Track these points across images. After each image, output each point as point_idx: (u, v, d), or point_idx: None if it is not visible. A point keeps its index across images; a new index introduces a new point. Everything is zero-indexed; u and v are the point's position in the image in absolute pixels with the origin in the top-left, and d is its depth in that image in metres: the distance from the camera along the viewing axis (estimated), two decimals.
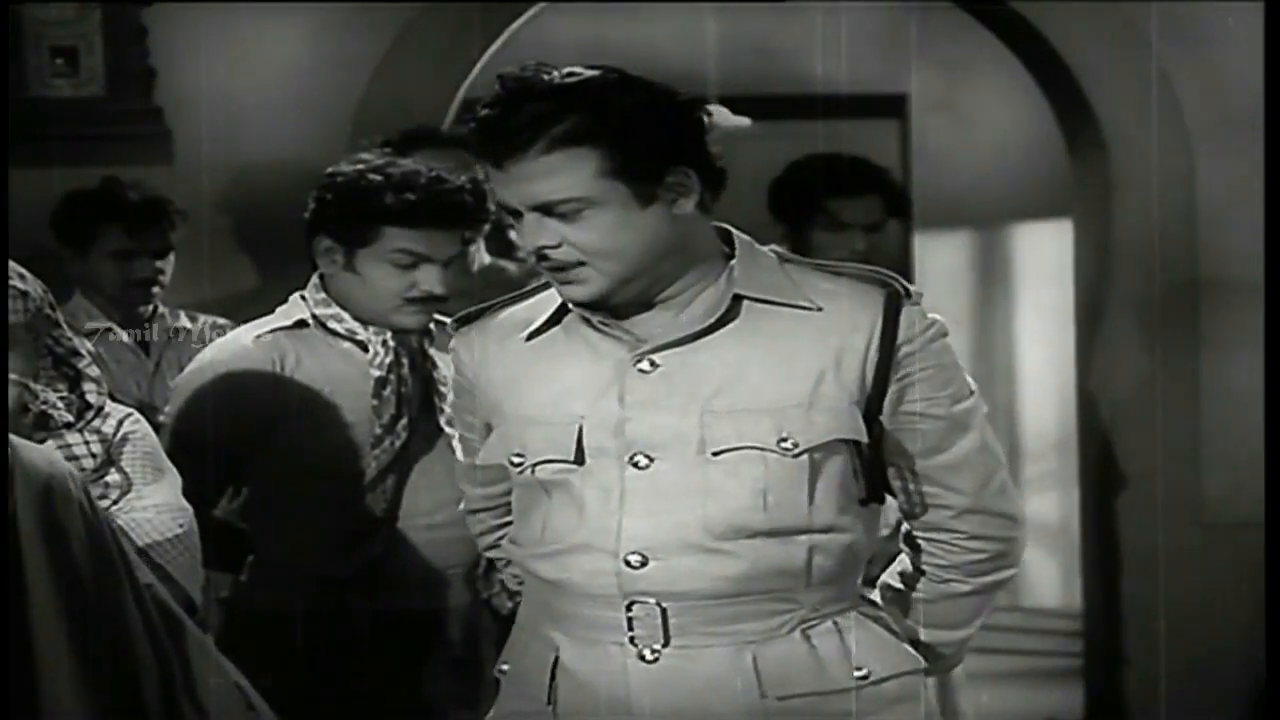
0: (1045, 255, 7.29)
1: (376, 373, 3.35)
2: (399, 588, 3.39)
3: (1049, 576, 7.67)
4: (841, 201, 4.38)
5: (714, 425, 2.52)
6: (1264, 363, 2.68)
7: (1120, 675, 5.42)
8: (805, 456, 2.53)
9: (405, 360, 3.38)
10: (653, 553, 2.52)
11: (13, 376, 2.75)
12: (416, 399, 3.38)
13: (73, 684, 2.33)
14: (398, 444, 3.36)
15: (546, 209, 2.51)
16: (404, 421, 3.36)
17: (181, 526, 2.89)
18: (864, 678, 2.56)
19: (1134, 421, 5.30)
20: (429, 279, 3.34)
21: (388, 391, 3.35)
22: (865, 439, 2.55)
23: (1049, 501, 7.54)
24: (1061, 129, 5.54)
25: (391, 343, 3.36)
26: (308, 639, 3.36)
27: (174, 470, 2.94)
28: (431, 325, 3.38)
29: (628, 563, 2.52)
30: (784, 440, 2.52)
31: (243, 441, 3.38)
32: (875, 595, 2.68)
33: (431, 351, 3.39)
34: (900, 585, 2.69)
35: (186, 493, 2.94)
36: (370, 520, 3.36)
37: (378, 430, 3.35)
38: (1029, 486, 7.67)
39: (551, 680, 2.60)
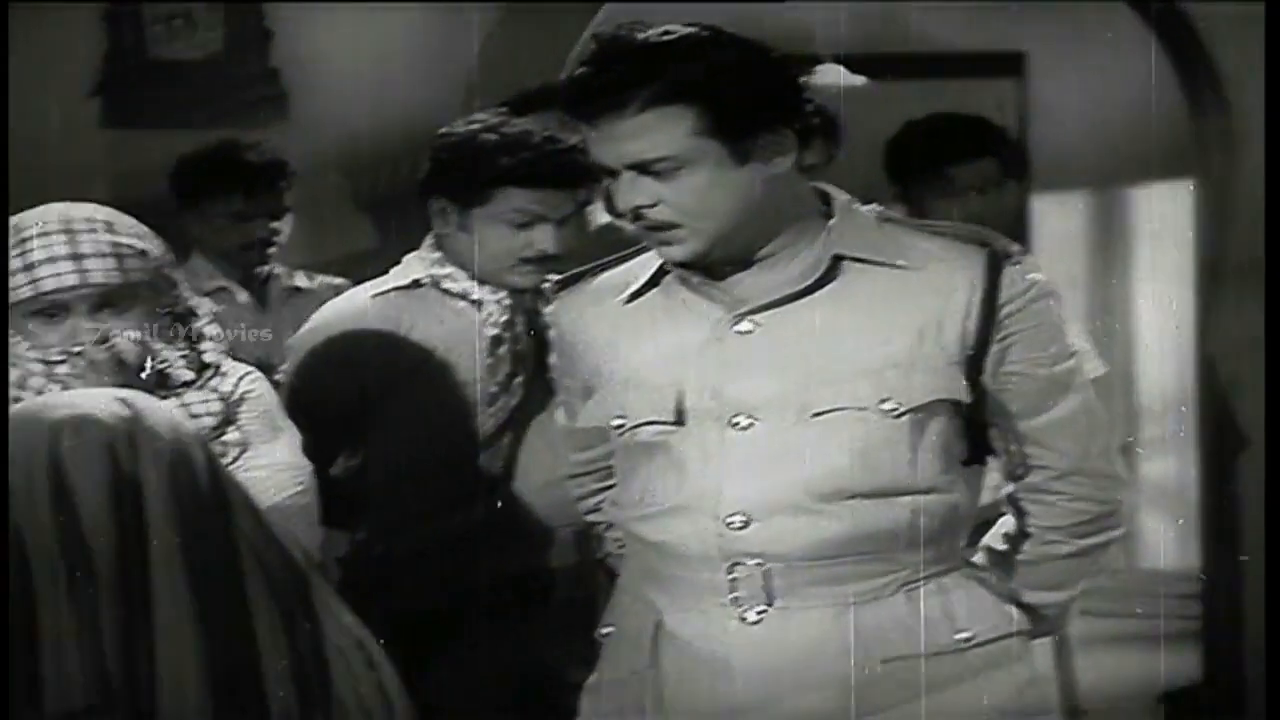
0: (1164, 216, 7.21)
1: (491, 331, 3.36)
2: (514, 546, 3.40)
3: (1166, 539, 7.61)
4: (957, 162, 4.33)
5: (813, 386, 2.51)
6: (1264, 362, 2.65)
7: (1238, 639, 5.37)
8: (906, 417, 2.52)
9: (520, 319, 3.39)
10: (754, 514, 2.52)
11: (133, 335, 2.78)
12: (531, 357, 3.39)
13: (194, 644, 2.35)
14: (513, 402, 3.37)
15: (641, 168, 2.51)
16: (519, 380, 3.37)
17: (299, 485, 2.91)
18: (967, 640, 2.55)
19: (1253, 383, 5.24)
20: (544, 238, 3.34)
21: (503, 350, 3.36)
22: (966, 399, 2.53)
23: (1166, 463, 7.47)
24: (1183, 88, 5.47)
25: (506, 302, 3.37)
26: (422, 597, 3.38)
27: (292, 428, 2.96)
28: (545, 284, 3.38)
29: (729, 524, 2.52)
30: (884, 401, 2.51)
31: (359, 400, 3.40)
32: (979, 557, 2.67)
33: (546, 310, 3.40)
34: (1004, 547, 2.67)
35: (304, 451, 2.96)
36: (485, 479, 3.38)
37: (493, 389, 3.36)
38: (1147, 448, 7.61)
39: (654, 643, 2.61)
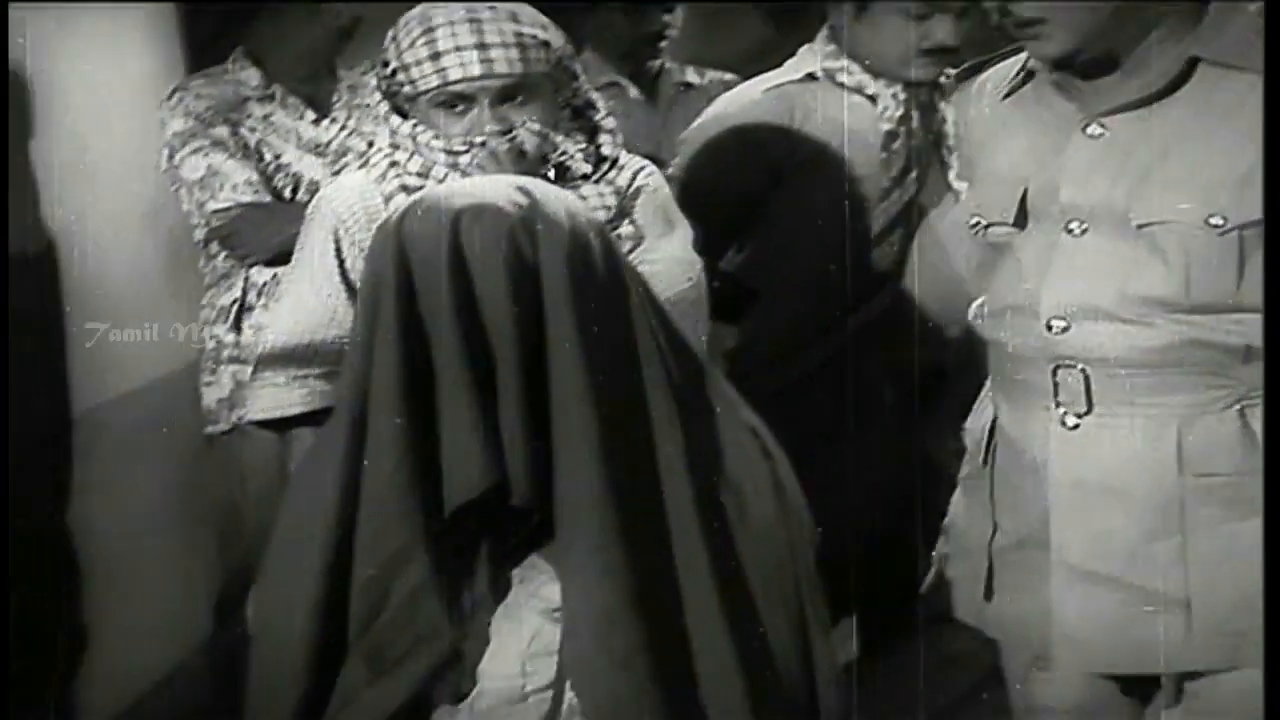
0: None
1: (886, 126, 3.33)
2: (905, 341, 3.39)
3: None
4: None
5: (1142, 196, 2.44)
6: (1264, 364, 2.46)
7: None
8: (1234, 234, 2.42)
9: (915, 113, 3.35)
10: (1074, 318, 2.47)
11: (534, 126, 2.80)
12: (926, 152, 3.35)
13: (590, 427, 2.39)
14: (906, 197, 3.35)
15: None
16: (912, 175, 3.34)
17: (690, 280, 2.93)
18: None
19: None
20: (942, 30, 3.29)
21: (897, 145, 3.33)
22: None
23: None
24: None
25: (901, 95, 3.34)
26: (811, 389, 3.39)
27: (685, 223, 2.97)
28: (942, 78, 3.33)
29: (1049, 326, 2.48)
30: (1212, 217, 2.41)
31: (751, 194, 3.41)
32: None
33: (942, 105, 3.35)
34: None
35: (694, 245, 2.98)
36: (877, 274, 3.37)
37: (885, 184, 3.34)
38: None
39: (988, 441, 2.63)
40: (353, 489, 2.42)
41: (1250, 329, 2.45)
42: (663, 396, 2.43)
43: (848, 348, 3.39)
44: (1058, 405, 2.52)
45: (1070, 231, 2.48)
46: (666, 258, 2.90)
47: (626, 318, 2.44)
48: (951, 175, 3.34)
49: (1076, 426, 2.51)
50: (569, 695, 2.45)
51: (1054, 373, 2.51)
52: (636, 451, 2.42)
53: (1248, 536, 2.47)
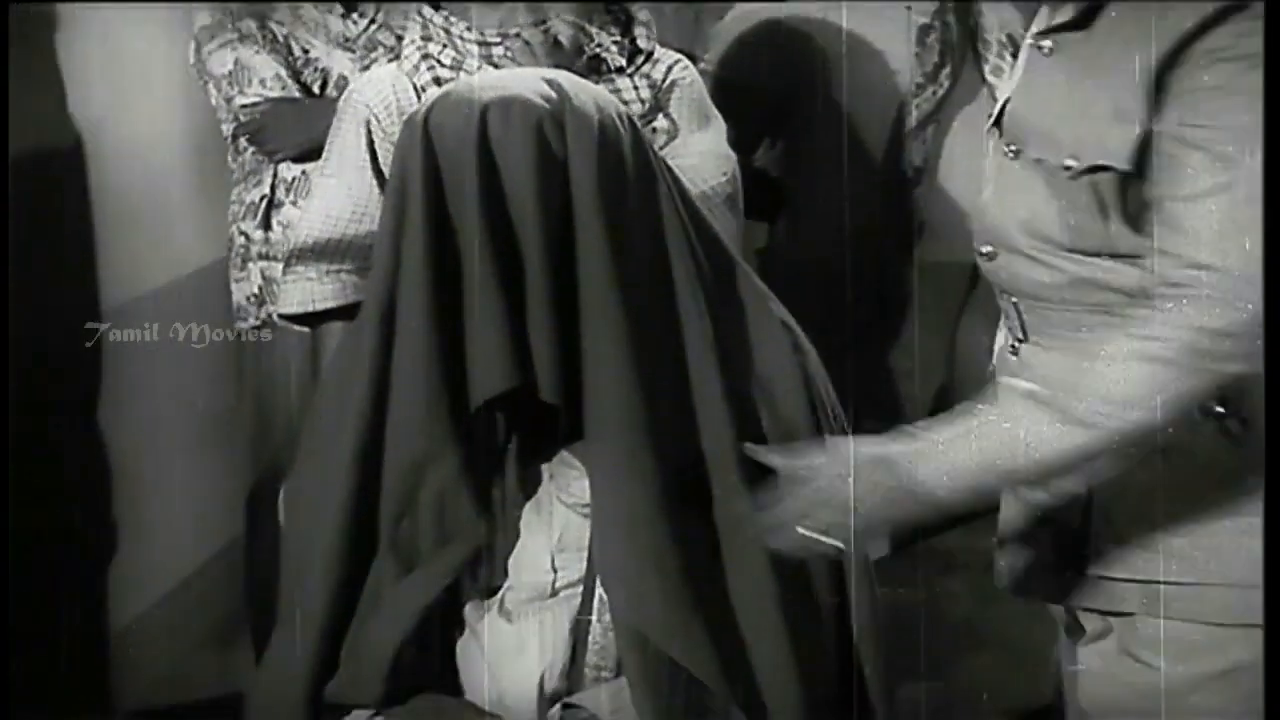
0: None
1: (920, 20, 3.31)
2: (940, 240, 3.37)
3: None
4: None
5: (1034, 131, 2.37)
6: (1264, 365, 2.40)
7: None
8: (1084, 179, 2.35)
9: (950, 7, 3.32)
10: (995, 247, 2.43)
11: (569, 19, 2.78)
12: (960, 48, 3.32)
13: (618, 327, 2.37)
14: (939, 93, 3.32)
15: None
16: (946, 70, 3.32)
17: (724, 175, 2.91)
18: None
19: None
20: None
21: (931, 39, 3.31)
22: (1126, 167, 2.33)
23: None
24: None
25: None
26: (844, 287, 3.38)
27: (719, 118, 2.95)
28: None
29: (980, 252, 2.45)
30: (1066, 158, 2.34)
31: (784, 88, 3.38)
32: None
33: None
34: None
35: (729, 140, 2.96)
36: (910, 170, 3.34)
37: (919, 79, 3.31)
38: None
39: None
40: (382, 384, 2.41)
41: (1133, 275, 2.38)
42: (692, 292, 2.41)
43: (876, 246, 3.38)
44: (1010, 330, 2.50)
45: (1006, 154, 2.43)
46: (701, 152, 2.89)
47: (656, 212, 2.41)
48: (986, 70, 3.31)
49: (1016, 352, 2.49)
50: (599, 590, 2.44)
51: (999, 296, 2.49)
52: (665, 347, 2.40)
53: (1154, 484, 2.43)
